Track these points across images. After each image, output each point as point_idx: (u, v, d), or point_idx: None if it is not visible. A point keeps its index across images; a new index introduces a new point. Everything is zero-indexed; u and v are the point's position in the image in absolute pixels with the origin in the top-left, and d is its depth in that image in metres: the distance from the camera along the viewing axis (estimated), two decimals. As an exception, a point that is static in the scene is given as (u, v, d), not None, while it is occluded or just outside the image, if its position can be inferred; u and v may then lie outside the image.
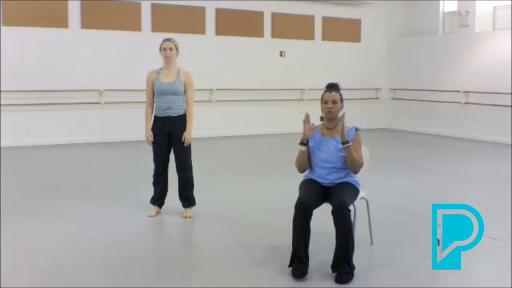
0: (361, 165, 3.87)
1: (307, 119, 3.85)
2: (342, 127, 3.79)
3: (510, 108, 10.66)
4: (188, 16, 11.15)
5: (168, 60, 5.09)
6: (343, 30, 12.98)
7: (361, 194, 4.04)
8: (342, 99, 3.92)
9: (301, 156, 3.93)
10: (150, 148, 5.22)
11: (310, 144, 3.92)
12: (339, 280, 3.59)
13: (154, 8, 10.80)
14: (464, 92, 11.66)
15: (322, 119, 3.98)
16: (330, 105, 3.87)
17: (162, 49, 5.08)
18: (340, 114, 3.92)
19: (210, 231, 4.88)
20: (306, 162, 3.95)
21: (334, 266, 3.67)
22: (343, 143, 3.78)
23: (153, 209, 5.24)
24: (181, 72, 5.12)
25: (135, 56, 10.32)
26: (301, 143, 3.88)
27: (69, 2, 10.09)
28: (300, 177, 4.06)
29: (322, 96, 3.93)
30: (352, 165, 3.83)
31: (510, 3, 11.20)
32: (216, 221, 5.16)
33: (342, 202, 3.65)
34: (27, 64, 9.76)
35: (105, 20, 10.36)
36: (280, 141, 10.66)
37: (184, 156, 5.16)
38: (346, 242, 3.62)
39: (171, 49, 5.07)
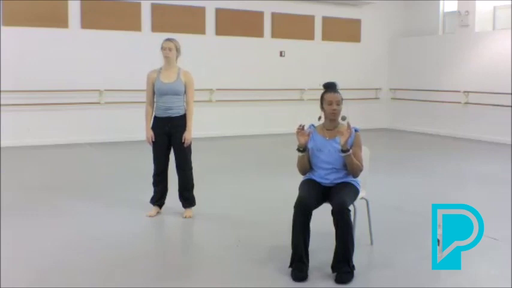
0: (361, 169, 3.88)
1: (299, 130, 3.82)
2: (347, 137, 3.73)
3: (510, 108, 10.66)
4: (188, 16, 11.15)
5: (167, 59, 5.10)
6: (343, 30, 12.97)
7: (361, 194, 4.04)
8: (342, 101, 3.89)
9: (301, 160, 3.94)
10: (150, 148, 5.22)
11: (310, 145, 3.91)
12: (339, 280, 3.59)
13: (154, 8, 10.80)
14: (464, 92, 11.66)
15: (319, 118, 3.96)
16: (334, 106, 3.85)
17: (162, 48, 5.10)
18: (341, 117, 3.91)
19: (210, 231, 4.88)
20: (307, 165, 3.95)
21: (334, 266, 3.67)
22: (342, 151, 3.77)
23: (153, 209, 5.24)
24: (181, 72, 5.12)
25: (135, 56, 10.33)
26: (298, 150, 3.88)
27: (69, 2, 10.09)
28: (300, 177, 4.06)
29: (323, 97, 3.89)
30: (352, 170, 3.84)
31: (510, 3, 11.19)
32: (216, 221, 5.16)
33: (342, 202, 3.65)
34: (27, 64, 9.76)
35: (105, 20, 10.36)
36: (280, 141, 10.65)
37: (185, 156, 5.15)
38: (346, 242, 3.61)
39: (170, 49, 5.07)
